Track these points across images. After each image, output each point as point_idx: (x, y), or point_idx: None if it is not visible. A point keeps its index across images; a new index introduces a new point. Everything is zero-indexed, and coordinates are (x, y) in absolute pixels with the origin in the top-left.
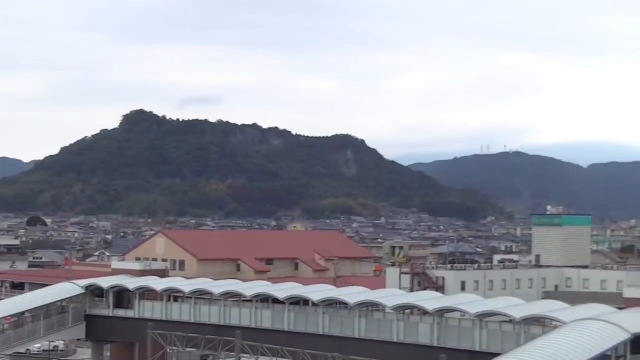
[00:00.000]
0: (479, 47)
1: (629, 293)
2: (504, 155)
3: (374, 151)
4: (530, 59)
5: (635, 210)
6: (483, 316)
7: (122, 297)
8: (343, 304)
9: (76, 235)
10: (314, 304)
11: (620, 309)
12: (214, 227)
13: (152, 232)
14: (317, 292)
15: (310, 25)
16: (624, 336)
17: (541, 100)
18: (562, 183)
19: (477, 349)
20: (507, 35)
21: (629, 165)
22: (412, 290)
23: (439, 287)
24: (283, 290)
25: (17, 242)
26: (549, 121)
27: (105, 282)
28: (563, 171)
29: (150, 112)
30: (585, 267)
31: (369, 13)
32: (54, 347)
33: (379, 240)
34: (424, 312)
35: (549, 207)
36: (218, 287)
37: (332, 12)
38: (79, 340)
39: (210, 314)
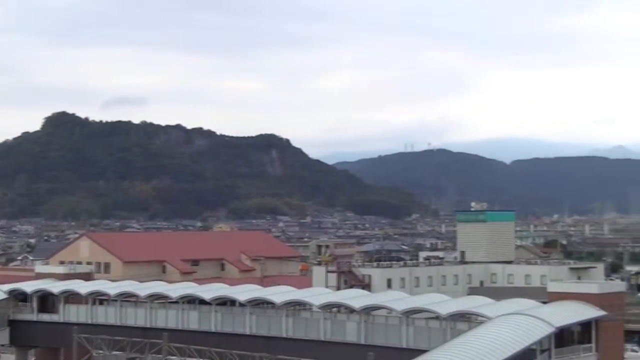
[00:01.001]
0: (402, 46)
1: (552, 287)
2: (428, 153)
3: (298, 150)
4: (453, 57)
5: (558, 205)
6: (409, 313)
7: (46, 301)
8: (270, 304)
9: None
10: (241, 304)
11: (544, 303)
12: (138, 229)
13: (76, 235)
14: (244, 292)
15: (233, 25)
16: (548, 330)
17: (464, 98)
18: (486, 179)
19: (404, 346)
20: (430, 33)
21: (551, 161)
22: (338, 288)
23: (365, 285)
24: (209, 291)
25: None
26: (472, 118)
27: (28, 287)
28: (487, 168)
29: (73, 114)
30: (510, 262)
31: (292, 13)
32: None
33: (305, 239)
34: (351, 310)
35: (473, 204)
36: (144, 289)
37: (255, 12)
38: (2, 345)
39: (136, 317)
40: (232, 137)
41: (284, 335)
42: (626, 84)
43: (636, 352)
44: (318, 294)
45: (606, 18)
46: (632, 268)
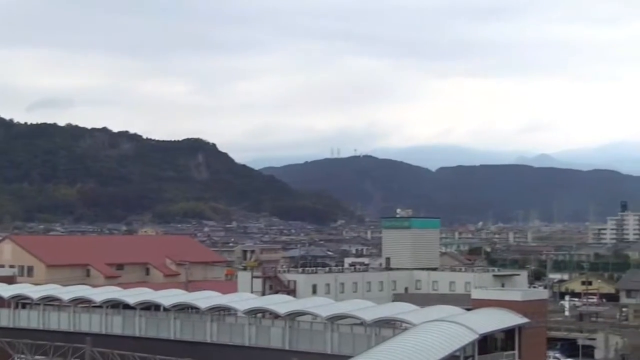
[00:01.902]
0: (329, 52)
1: (476, 294)
2: (354, 159)
3: (225, 155)
4: (381, 64)
5: (482, 213)
6: (334, 319)
7: None
8: (194, 309)
9: None
10: (165, 309)
11: (468, 309)
12: (63, 232)
13: None
14: (168, 297)
15: (162, 28)
16: (472, 336)
17: (391, 105)
18: (412, 186)
19: (329, 352)
20: (357, 39)
21: (476, 169)
22: (263, 294)
23: (291, 291)
24: (133, 295)
25: None
26: (398, 125)
27: None
28: (412, 175)
29: None
30: (434, 269)
31: (219, 16)
32: None
33: (231, 244)
34: (276, 316)
35: (398, 210)
36: (67, 293)
37: (184, 15)
38: None
39: (59, 321)
40: (158, 140)
41: (209, 341)
42: (551, 93)
43: (558, 359)
44: (243, 299)
45: (531, 28)
46: (555, 276)
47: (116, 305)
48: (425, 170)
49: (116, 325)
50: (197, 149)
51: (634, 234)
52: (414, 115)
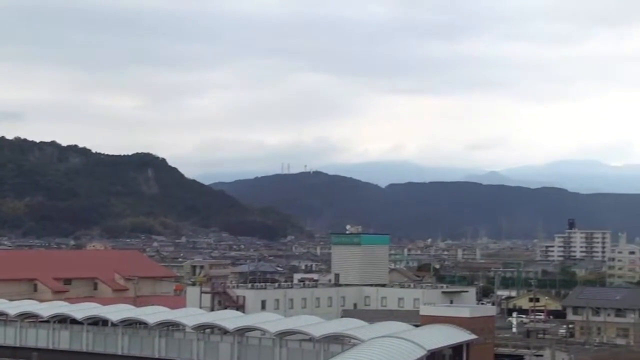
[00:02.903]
0: (280, 68)
1: (424, 310)
2: (304, 175)
3: (174, 170)
4: (331, 80)
5: (431, 229)
6: (283, 335)
7: None
8: (143, 324)
9: None
10: (113, 324)
11: (417, 326)
12: (10, 246)
13: None
14: (117, 312)
15: (112, 43)
16: (420, 353)
17: (342, 121)
18: (361, 202)
19: None
20: (308, 56)
21: (425, 186)
22: (212, 309)
23: (240, 306)
24: (81, 310)
25: None
26: (349, 142)
27: None
28: (362, 191)
29: None
30: (383, 285)
31: (172, 32)
32: None
33: (180, 260)
34: (224, 331)
35: (348, 227)
36: (14, 307)
37: (134, 30)
38: None
39: (5, 336)
40: (107, 155)
41: (157, 356)
42: (499, 111)
43: None
44: (192, 315)
45: (481, 45)
46: (503, 292)
47: (63, 320)
48: (375, 187)
49: (63, 340)
50: (147, 164)
51: (581, 252)
52: (365, 132)
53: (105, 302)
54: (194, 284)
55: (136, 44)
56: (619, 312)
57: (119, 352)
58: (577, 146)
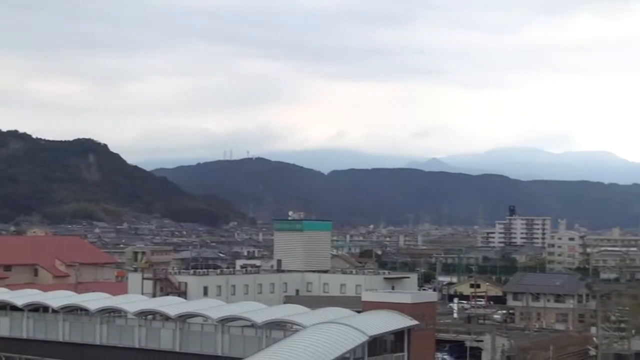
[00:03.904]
0: (223, 54)
1: (366, 297)
2: (246, 162)
3: (116, 156)
4: (275, 66)
5: (373, 216)
6: (225, 321)
7: None
8: (84, 310)
9: None
10: (54, 311)
11: (359, 312)
12: None
13: None
14: (57, 298)
15: (53, 27)
16: (362, 338)
17: (285, 108)
18: (304, 189)
19: (219, 354)
20: (251, 42)
21: (368, 172)
22: (154, 295)
23: (182, 293)
24: (21, 296)
25: None
26: (292, 128)
27: None
28: (304, 177)
29: None
30: (326, 271)
31: (114, 17)
32: None
33: (121, 246)
34: (166, 318)
35: (290, 213)
36: None
37: (76, 15)
38: None
39: None
40: (48, 140)
41: (98, 343)
42: (442, 98)
43: None
44: (133, 301)
45: (423, 33)
46: (444, 278)
47: (3, 306)
48: (317, 173)
49: (3, 327)
50: (88, 150)
51: (521, 238)
52: (308, 118)
53: (46, 288)
54: (135, 270)
55: (79, 28)
56: (559, 297)
57: (60, 339)
58: (518, 134)
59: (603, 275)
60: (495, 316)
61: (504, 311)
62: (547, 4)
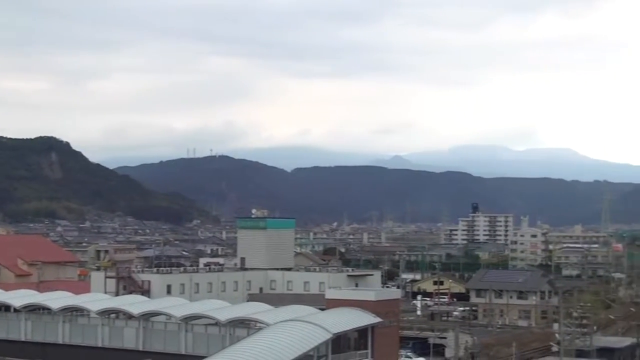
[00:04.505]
0: (188, 51)
1: (330, 294)
2: (209, 159)
3: (79, 154)
4: (239, 64)
5: (337, 213)
6: (188, 319)
7: None
8: (46, 309)
9: None
10: (16, 310)
11: (322, 309)
12: None
13: None
14: (19, 297)
15: (16, 24)
16: (326, 336)
17: (249, 105)
18: (267, 187)
19: (183, 352)
20: (216, 39)
21: (331, 170)
22: (117, 294)
23: (145, 291)
24: None
25: None
26: (256, 126)
27: None
28: (268, 175)
29: None
30: (289, 269)
31: (77, 14)
32: None
33: (84, 244)
34: (129, 316)
35: (253, 211)
36: None
37: (39, 12)
38: None
39: None
40: (9, 138)
41: (61, 342)
42: (405, 96)
43: (410, 357)
44: (96, 300)
45: (388, 31)
46: (408, 276)
47: None
48: (280, 171)
49: None
50: (51, 148)
51: (484, 235)
52: (272, 116)
53: (7, 287)
54: (98, 269)
55: (42, 25)
56: (521, 294)
57: (22, 338)
58: (482, 131)
59: (565, 272)
60: (455, 313)
61: (463, 308)
62: (512, 2)
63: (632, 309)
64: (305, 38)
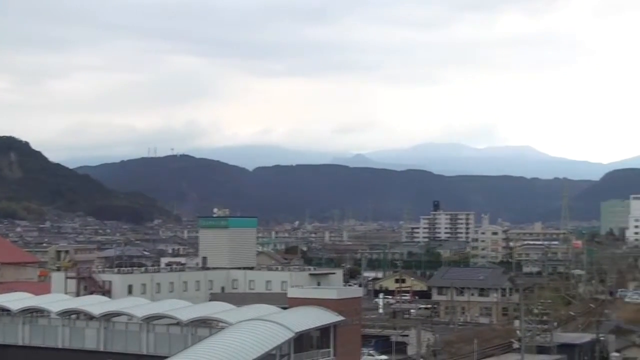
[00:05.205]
0: (150, 50)
1: (292, 293)
2: (171, 159)
3: (38, 154)
4: (201, 63)
5: (298, 212)
6: (150, 319)
7: None
8: (6, 311)
9: None
10: None
11: (285, 308)
12: None
13: None
14: None
15: None
16: (288, 335)
17: (211, 104)
18: (229, 186)
19: (145, 352)
20: (177, 38)
21: (293, 169)
22: (78, 294)
23: (106, 291)
24: None
25: None
26: (217, 125)
27: None
28: (229, 174)
29: None
30: (251, 268)
31: (37, 12)
32: None
33: (44, 245)
34: (90, 317)
35: (215, 210)
36: None
37: None
38: None
39: None
40: None
41: (20, 343)
42: (366, 94)
43: (373, 356)
44: (56, 301)
45: (350, 30)
46: (370, 274)
47: None
48: (242, 170)
49: None
50: (9, 148)
51: (446, 233)
52: (234, 115)
53: None
54: (59, 270)
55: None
56: (482, 291)
57: None
58: (442, 129)
59: (526, 269)
60: (411, 311)
61: (421, 306)
62: (473, 1)
63: (591, 305)
64: (268, 37)
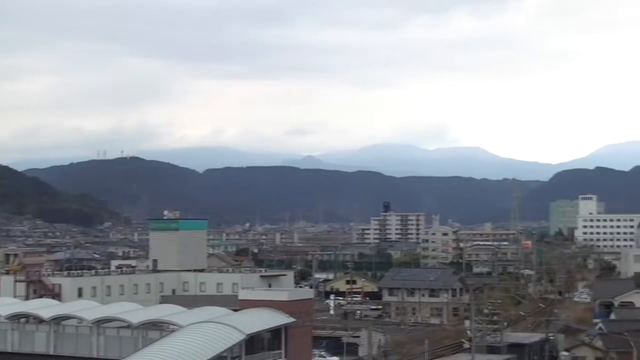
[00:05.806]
0: (104, 52)
1: (243, 295)
2: (120, 161)
3: None
4: (153, 64)
5: (249, 214)
6: (100, 322)
7: None
8: None
9: None
10: None
11: (236, 310)
12: None
13: None
14: None
15: None
16: (239, 337)
17: (162, 106)
18: (179, 188)
19: (95, 355)
20: (129, 40)
21: (243, 170)
22: (27, 298)
23: (56, 295)
24: None
25: None
26: (168, 127)
27: None
28: (179, 176)
29: None
30: (202, 270)
31: None
32: None
33: None
34: (40, 320)
35: (165, 212)
36: None
37: None
38: None
39: None
40: None
41: None
42: (317, 96)
43: (324, 357)
44: (5, 304)
45: (304, 31)
46: (321, 275)
47: None
48: (192, 172)
49: None
50: None
51: (396, 234)
52: (186, 117)
53: None
54: (7, 273)
55: None
56: (433, 292)
57: None
58: (394, 130)
59: (476, 270)
60: (357, 312)
61: (370, 307)
62: (424, 3)
63: (541, 304)
64: (221, 39)
